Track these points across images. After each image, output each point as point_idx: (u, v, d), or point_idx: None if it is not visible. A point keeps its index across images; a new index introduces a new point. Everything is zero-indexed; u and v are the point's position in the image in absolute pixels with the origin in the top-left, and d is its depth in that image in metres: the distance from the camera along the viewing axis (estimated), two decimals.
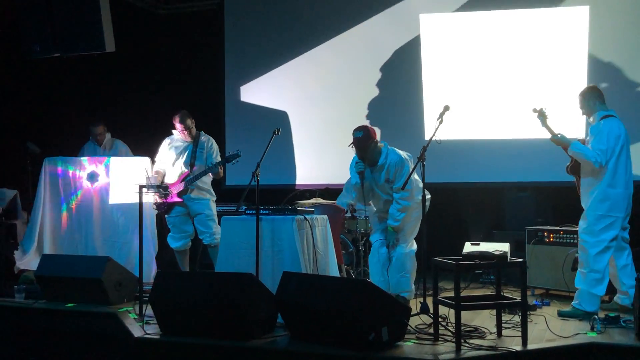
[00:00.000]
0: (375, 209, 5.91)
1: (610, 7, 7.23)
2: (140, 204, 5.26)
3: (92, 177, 6.77)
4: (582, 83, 7.05)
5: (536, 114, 5.19)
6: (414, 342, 4.21)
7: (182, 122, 6.45)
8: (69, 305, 5.43)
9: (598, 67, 7.20)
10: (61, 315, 5.33)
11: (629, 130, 5.15)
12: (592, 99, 5.21)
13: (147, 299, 5.05)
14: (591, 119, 5.23)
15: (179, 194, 6.42)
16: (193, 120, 6.55)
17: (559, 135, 5.12)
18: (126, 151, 7.53)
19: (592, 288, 4.97)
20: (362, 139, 5.51)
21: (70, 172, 6.84)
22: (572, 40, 7.32)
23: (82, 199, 6.75)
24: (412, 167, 5.33)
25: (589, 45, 7.25)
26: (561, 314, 5.04)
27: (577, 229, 5.77)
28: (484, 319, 4.85)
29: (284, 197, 6.96)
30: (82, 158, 6.99)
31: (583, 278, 5.05)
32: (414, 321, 4.50)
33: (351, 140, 5.51)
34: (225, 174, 7.32)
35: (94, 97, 8.68)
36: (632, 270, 5.08)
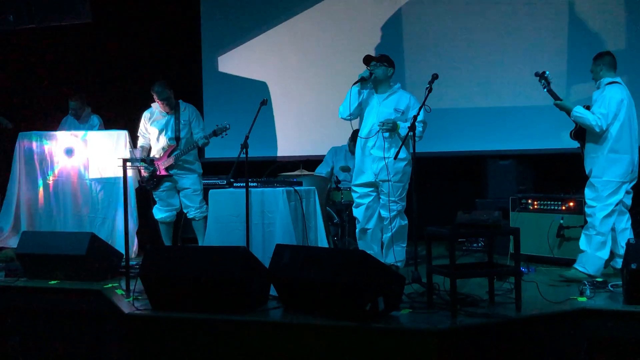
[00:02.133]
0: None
1: None
2: (125, 178, 5.13)
3: (69, 151, 6.62)
4: (564, 52, 7.11)
5: (538, 77, 5.21)
6: (409, 312, 4.22)
7: (159, 93, 6.24)
8: (52, 282, 5.33)
9: (579, 36, 7.22)
10: (44, 293, 5.22)
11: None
12: (600, 65, 5.26)
13: (132, 274, 4.99)
14: (597, 85, 5.28)
15: (167, 169, 6.28)
16: (171, 90, 6.32)
17: (562, 100, 5.17)
18: (100, 125, 7.34)
19: (597, 251, 5.05)
20: (382, 56, 5.56)
21: (46, 147, 6.70)
22: (554, 10, 7.31)
23: (59, 174, 6.62)
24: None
25: (570, 14, 7.27)
26: (564, 277, 5.09)
27: (561, 195, 5.89)
28: (472, 287, 4.88)
29: (265, 169, 6.88)
30: (57, 132, 6.82)
31: (588, 241, 5.12)
32: (405, 290, 4.50)
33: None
34: None
35: (69, 70, 8.43)
36: (630, 233, 5.16)
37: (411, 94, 5.68)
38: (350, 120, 5.67)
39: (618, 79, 5.20)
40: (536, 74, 5.23)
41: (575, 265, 5.14)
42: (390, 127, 5.40)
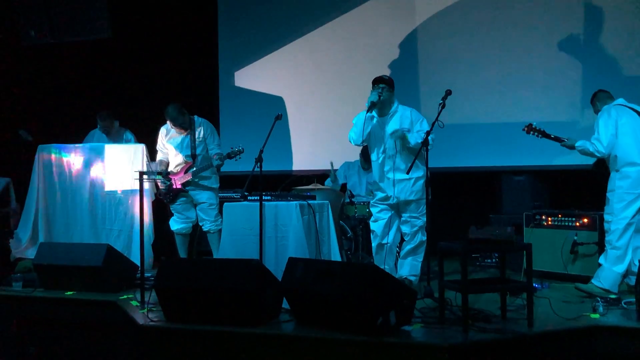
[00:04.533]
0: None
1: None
2: (141, 190, 5.20)
3: (87, 164, 6.70)
4: (577, 67, 7.12)
5: (525, 130, 5.37)
6: (421, 326, 4.23)
7: (173, 119, 6.29)
8: (68, 293, 5.39)
9: (592, 50, 7.23)
10: (61, 303, 5.29)
11: None
12: (595, 102, 5.49)
13: (147, 286, 5.04)
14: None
15: (184, 185, 6.36)
16: (184, 112, 6.33)
17: (565, 140, 5.27)
18: (134, 139, 7.38)
19: (613, 265, 5.05)
20: (388, 79, 5.58)
21: (64, 159, 6.78)
22: (567, 26, 7.33)
23: (77, 186, 6.69)
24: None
25: (583, 29, 7.29)
26: (579, 288, 5.11)
27: (575, 212, 5.89)
28: (485, 302, 4.87)
29: (280, 183, 6.93)
30: (75, 145, 6.90)
31: (605, 255, 5.15)
32: (417, 305, 4.51)
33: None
34: None
35: (88, 84, 8.56)
36: None
37: (412, 108, 5.69)
38: (361, 145, 5.89)
39: (618, 100, 5.32)
40: (524, 130, 5.39)
41: (593, 280, 5.14)
42: (399, 135, 5.47)
